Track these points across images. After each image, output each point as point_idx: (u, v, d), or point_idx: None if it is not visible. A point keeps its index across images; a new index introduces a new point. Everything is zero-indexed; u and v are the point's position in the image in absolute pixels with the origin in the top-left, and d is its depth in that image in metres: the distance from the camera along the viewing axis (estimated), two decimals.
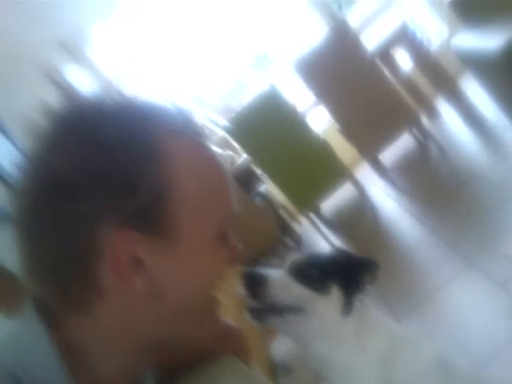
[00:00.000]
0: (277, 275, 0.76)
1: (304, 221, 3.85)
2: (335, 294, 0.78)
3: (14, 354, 0.53)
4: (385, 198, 3.44)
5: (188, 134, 0.59)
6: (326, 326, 0.77)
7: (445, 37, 4.15)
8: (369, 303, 0.82)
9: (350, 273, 0.79)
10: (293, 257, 0.84)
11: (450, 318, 1.91)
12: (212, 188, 0.59)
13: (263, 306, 0.76)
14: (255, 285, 0.75)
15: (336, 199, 3.75)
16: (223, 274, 0.63)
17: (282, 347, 2.15)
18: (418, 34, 4.11)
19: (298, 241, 3.65)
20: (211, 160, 0.61)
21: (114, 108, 0.57)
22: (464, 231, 2.35)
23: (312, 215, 3.60)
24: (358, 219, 3.48)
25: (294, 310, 0.76)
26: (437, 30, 4.30)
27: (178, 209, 0.55)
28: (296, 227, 3.95)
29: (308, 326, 0.76)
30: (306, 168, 3.45)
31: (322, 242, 3.33)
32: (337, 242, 3.29)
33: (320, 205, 3.69)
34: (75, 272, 0.54)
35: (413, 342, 0.81)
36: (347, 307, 0.77)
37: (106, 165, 0.52)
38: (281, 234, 3.55)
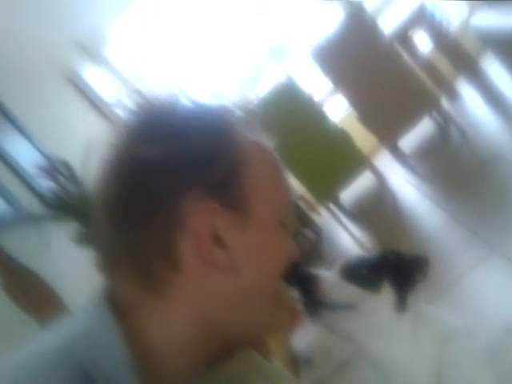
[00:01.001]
0: (329, 275, 0.77)
1: (323, 211, 3.83)
2: (387, 292, 0.78)
3: (85, 350, 0.53)
4: (405, 186, 3.40)
5: (250, 130, 0.66)
6: (378, 323, 0.77)
7: (464, 16, 4.04)
8: (420, 299, 0.81)
9: (400, 270, 0.79)
10: (342, 259, 0.85)
11: (473, 305, 1.89)
12: (275, 176, 0.65)
13: (316, 303, 0.76)
14: (308, 283, 0.76)
15: (355, 188, 3.72)
16: (286, 264, 0.66)
17: (303, 340, 2.16)
18: (437, 15, 4.01)
19: (317, 232, 3.64)
20: (271, 154, 0.67)
21: (187, 105, 0.64)
22: (487, 216, 2.31)
23: (331, 205, 3.58)
24: (379, 208, 3.45)
25: (346, 307, 0.77)
26: (455, 10, 4.19)
27: (250, 187, 0.60)
28: (316, 218, 3.93)
29: (360, 323, 0.77)
30: (325, 158, 3.42)
31: (343, 232, 3.31)
32: (357, 231, 3.27)
33: (339, 195, 3.67)
34: (158, 248, 0.57)
35: (464, 332, 0.80)
36: (401, 304, 0.77)
37: (186, 147, 0.58)
38: (300, 226, 3.54)
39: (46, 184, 2.46)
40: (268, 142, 0.68)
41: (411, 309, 0.78)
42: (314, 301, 0.75)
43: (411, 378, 0.77)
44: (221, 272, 0.58)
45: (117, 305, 0.59)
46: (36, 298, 1.31)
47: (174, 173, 0.57)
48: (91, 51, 4.23)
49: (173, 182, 0.57)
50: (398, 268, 0.79)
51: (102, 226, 0.61)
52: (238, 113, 0.66)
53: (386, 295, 0.77)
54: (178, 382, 0.60)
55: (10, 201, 2.20)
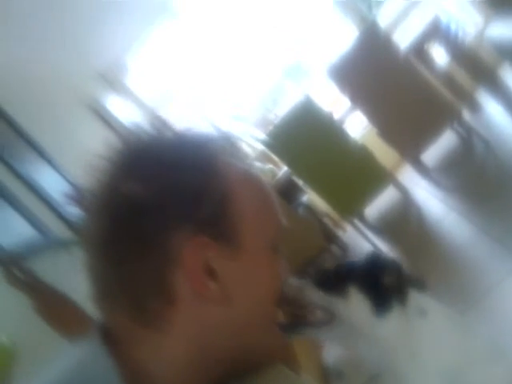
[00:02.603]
0: (299, 282, 0.76)
1: (349, 228, 3.80)
2: (355, 296, 0.75)
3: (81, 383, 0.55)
4: (430, 199, 3.36)
5: (235, 158, 0.66)
6: (353, 327, 0.75)
7: (479, 27, 4.03)
8: (435, 310, 0.77)
9: (368, 274, 0.77)
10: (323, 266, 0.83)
11: (504, 317, 1.85)
12: (264, 201, 0.66)
13: (299, 319, 0.76)
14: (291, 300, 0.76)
15: (380, 203, 3.69)
16: (281, 285, 0.67)
17: (333, 352, 2.13)
18: (452, 27, 4.01)
19: (344, 248, 3.61)
20: (258, 180, 0.67)
21: (173, 138, 0.64)
22: None
23: (356, 221, 3.55)
24: (404, 222, 3.42)
25: (327, 319, 0.76)
26: (470, 21, 4.18)
27: (239, 218, 0.60)
28: (341, 234, 3.90)
29: (338, 329, 0.76)
30: (347, 175, 3.41)
31: (369, 247, 3.28)
32: (383, 246, 3.24)
33: (364, 210, 3.64)
34: (152, 285, 0.57)
35: (488, 356, 0.76)
36: (378, 309, 0.74)
37: (173, 184, 0.58)
38: (326, 243, 3.52)
39: (73, 210, 2.51)
40: (257, 168, 0.69)
41: (400, 315, 0.74)
42: (297, 316, 0.74)
43: None
44: (215, 303, 0.59)
45: (112, 336, 0.60)
46: (69, 319, 1.33)
47: (161, 210, 0.57)
48: (112, 80, 4.32)
49: (161, 219, 0.57)
50: (365, 272, 0.77)
51: (93, 261, 0.61)
52: (228, 141, 0.67)
53: (355, 300, 0.74)
54: None
55: (39, 228, 2.25)
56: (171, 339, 0.59)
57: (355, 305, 0.74)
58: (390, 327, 0.73)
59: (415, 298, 0.76)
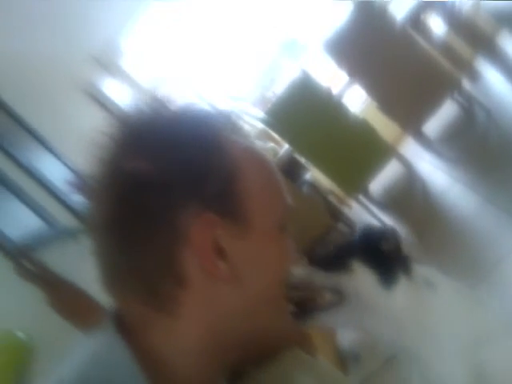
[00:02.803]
0: (299, 271, 0.75)
1: (354, 204, 3.80)
2: (360, 270, 0.73)
3: (100, 375, 0.54)
4: (434, 171, 3.35)
5: (238, 136, 0.64)
6: (363, 303, 0.73)
7: None
8: (442, 282, 0.76)
9: (366, 246, 0.75)
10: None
11: None
12: (270, 180, 0.65)
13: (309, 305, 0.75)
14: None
15: (384, 178, 3.69)
16: (290, 266, 0.66)
17: (348, 336, 2.14)
18: None
19: (350, 225, 3.61)
20: (263, 158, 0.65)
21: (174, 114, 0.62)
22: None
23: (361, 197, 3.55)
24: (409, 195, 3.42)
25: (335, 301, 0.74)
26: None
27: (247, 195, 0.59)
28: (346, 211, 3.90)
29: (348, 308, 0.74)
30: (349, 150, 3.39)
31: (375, 223, 3.28)
32: (389, 221, 3.24)
33: (368, 186, 3.64)
34: (162, 266, 0.56)
35: (503, 329, 0.75)
36: (385, 280, 0.72)
37: (178, 160, 0.57)
38: (332, 221, 3.52)
39: (77, 198, 2.50)
40: (259, 146, 0.67)
41: (407, 287, 0.72)
42: (306, 302, 0.73)
43: (428, 364, 0.71)
44: (225, 283, 0.58)
45: (125, 324, 0.59)
46: (82, 310, 1.32)
47: (168, 188, 0.56)
48: (107, 63, 4.26)
49: (168, 197, 0.56)
50: (363, 244, 0.76)
51: (99, 245, 0.60)
52: (229, 119, 0.65)
53: (360, 273, 0.73)
54: None
55: (46, 218, 2.25)
56: (183, 323, 0.58)
57: (361, 278, 0.72)
58: (399, 299, 0.71)
59: (421, 270, 0.75)
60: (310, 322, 0.73)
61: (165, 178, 0.56)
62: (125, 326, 0.59)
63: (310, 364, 1.03)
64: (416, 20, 3.81)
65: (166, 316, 0.58)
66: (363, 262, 0.73)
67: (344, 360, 2.12)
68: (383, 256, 0.74)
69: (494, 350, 0.71)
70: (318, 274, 0.73)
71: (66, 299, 1.35)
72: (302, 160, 3.68)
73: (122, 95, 4.15)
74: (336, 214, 3.67)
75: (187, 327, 0.58)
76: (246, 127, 3.98)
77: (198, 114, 0.63)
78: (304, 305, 0.71)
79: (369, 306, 0.72)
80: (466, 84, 3.66)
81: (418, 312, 0.71)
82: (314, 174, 3.81)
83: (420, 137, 3.62)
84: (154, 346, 0.58)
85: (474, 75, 3.82)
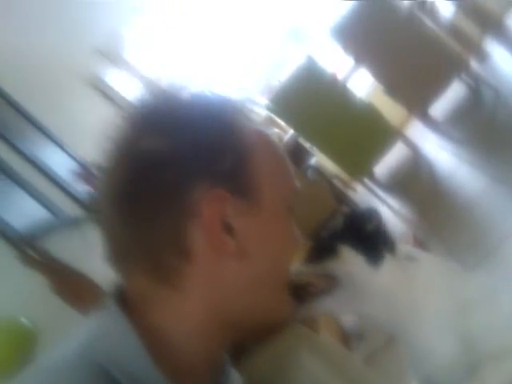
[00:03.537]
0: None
1: (359, 187, 3.78)
2: (347, 253, 0.76)
3: (103, 352, 0.54)
4: (440, 153, 3.32)
5: (249, 119, 0.65)
6: (354, 283, 0.75)
7: None
8: (425, 258, 0.80)
9: (351, 229, 0.78)
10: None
11: None
12: (280, 163, 0.66)
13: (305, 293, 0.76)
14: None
15: (390, 161, 3.66)
16: (296, 248, 0.67)
17: (349, 318, 2.14)
18: None
19: (355, 208, 3.60)
20: (273, 141, 0.67)
21: (189, 96, 0.63)
22: None
23: (367, 180, 3.53)
24: (415, 178, 3.39)
25: (328, 287, 0.76)
26: None
27: (257, 174, 0.60)
28: (352, 195, 3.89)
29: (342, 291, 0.76)
30: (354, 134, 3.38)
31: (381, 206, 3.27)
32: (395, 204, 3.22)
33: (373, 169, 3.62)
34: (169, 238, 0.57)
35: (490, 296, 0.77)
36: (372, 259, 0.75)
37: (192, 139, 0.58)
38: (338, 205, 3.51)
39: (82, 188, 2.51)
40: (270, 130, 0.68)
41: (392, 263, 0.76)
42: (301, 293, 0.74)
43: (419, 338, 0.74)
44: (232, 259, 0.59)
45: (129, 300, 0.60)
46: (87, 297, 1.33)
47: (182, 164, 0.57)
48: (111, 55, 4.27)
49: (181, 172, 0.57)
50: (348, 229, 0.79)
51: (108, 220, 0.60)
52: (241, 103, 0.66)
53: (347, 256, 0.76)
54: (198, 371, 0.61)
55: (50, 208, 2.26)
56: (186, 297, 0.59)
57: (350, 260, 0.75)
58: (387, 274, 0.75)
59: (403, 247, 0.79)
60: (306, 309, 0.75)
61: (179, 155, 0.58)
62: (127, 304, 0.59)
63: (314, 340, 1.04)
64: (423, 1, 3.76)
65: (170, 289, 0.58)
66: (350, 246, 0.76)
67: (348, 338, 2.13)
68: (368, 236, 0.77)
69: (478, 315, 0.72)
70: (310, 267, 0.76)
71: (71, 286, 1.36)
72: (307, 145, 3.67)
73: (126, 86, 4.16)
74: (341, 198, 3.66)
75: (190, 302, 0.59)
76: (253, 114, 3.97)
77: (212, 97, 0.64)
78: (299, 293, 0.72)
79: (360, 287, 0.75)
80: (474, 65, 3.61)
81: (404, 286, 0.74)
82: (319, 158, 3.80)
83: (426, 118, 3.59)
84: (156, 321, 0.58)
85: (482, 56, 3.77)
